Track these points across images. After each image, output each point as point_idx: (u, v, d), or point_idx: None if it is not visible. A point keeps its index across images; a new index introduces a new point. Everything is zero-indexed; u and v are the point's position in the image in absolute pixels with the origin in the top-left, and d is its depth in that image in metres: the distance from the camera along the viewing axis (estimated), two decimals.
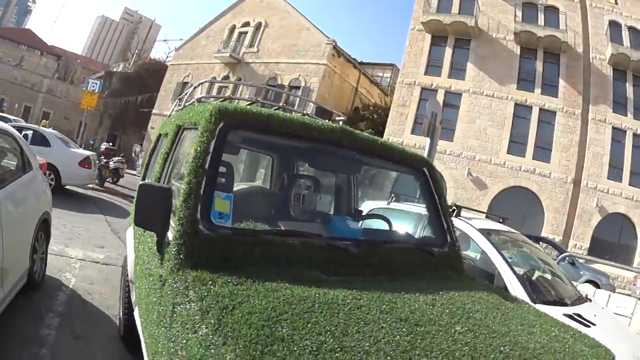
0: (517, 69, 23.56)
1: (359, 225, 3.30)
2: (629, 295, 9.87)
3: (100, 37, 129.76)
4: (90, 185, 13.47)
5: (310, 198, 3.22)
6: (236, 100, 3.91)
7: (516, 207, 20.62)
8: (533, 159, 22.30)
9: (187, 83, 33.25)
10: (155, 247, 2.20)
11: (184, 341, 1.60)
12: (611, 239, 21.74)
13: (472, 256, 4.65)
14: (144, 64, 43.92)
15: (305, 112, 3.84)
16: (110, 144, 30.40)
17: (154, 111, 34.91)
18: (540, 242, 13.67)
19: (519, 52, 23.66)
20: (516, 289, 3.97)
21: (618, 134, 22.50)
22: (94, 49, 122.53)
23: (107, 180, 16.04)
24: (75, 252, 6.13)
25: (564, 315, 3.61)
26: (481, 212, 8.10)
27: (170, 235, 2.11)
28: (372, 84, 33.32)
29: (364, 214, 3.96)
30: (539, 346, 2.03)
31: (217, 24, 34.26)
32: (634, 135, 22.32)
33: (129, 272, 3.50)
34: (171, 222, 2.14)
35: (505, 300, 2.67)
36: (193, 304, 1.68)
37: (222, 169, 2.36)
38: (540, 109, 22.81)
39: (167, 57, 41.90)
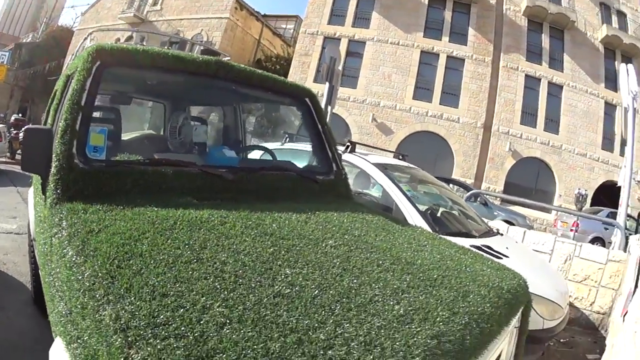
0: (424, 17, 23.56)
1: (239, 155, 3.32)
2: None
3: (12, 10, 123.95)
4: (2, 159, 13.51)
5: (187, 130, 3.20)
6: None
7: (425, 151, 20.75)
8: (440, 104, 22.46)
9: None
10: (41, 189, 2.18)
11: (58, 268, 1.57)
12: (527, 184, 22.13)
13: (371, 194, 4.51)
14: (52, 32, 42.35)
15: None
16: (20, 115, 29.34)
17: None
18: (451, 184, 13.01)
19: (426, 2, 23.63)
20: (416, 221, 3.76)
21: (532, 81, 23.25)
22: (6, 23, 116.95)
23: (18, 152, 15.67)
24: None
25: (471, 246, 3.17)
26: (379, 148, 8.37)
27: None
28: (275, 36, 33.27)
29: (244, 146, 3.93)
30: (426, 262, 1.97)
31: None
32: (550, 83, 22.87)
33: (31, 231, 3.39)
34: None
35: (394, 223, 2.61)
36: (64, 232, 1.66)
37: (108, 113, 2.50)
38: (448, 56, 23.01)
39: (74, 23, 40.86)
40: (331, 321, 1.34)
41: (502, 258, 3.44)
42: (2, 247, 5.33)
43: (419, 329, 1.42)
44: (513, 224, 10.93)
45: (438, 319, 1.51)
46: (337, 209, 2.50)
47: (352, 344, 1.26)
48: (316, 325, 1.30)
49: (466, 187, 14.97)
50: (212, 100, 3.74)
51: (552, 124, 22.64)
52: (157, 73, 2.70)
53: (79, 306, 1.29)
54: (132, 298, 1.24)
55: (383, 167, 4.43)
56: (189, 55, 2.77)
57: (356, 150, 4.82)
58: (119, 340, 1.09)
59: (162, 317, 1.18)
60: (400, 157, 5.54)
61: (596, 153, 22.44)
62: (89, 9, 35.45)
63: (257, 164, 3.12)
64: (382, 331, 1.36)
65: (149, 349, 1.07)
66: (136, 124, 4.89)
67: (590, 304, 5.63)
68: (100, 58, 2.27)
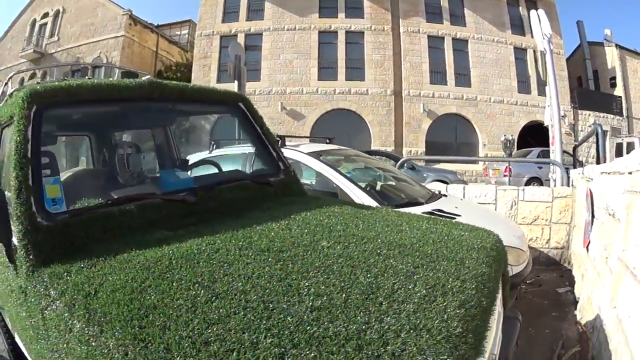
0: None
1: (189, 174, 3.24)
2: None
3: None
4: None
5: (135, 160, 3.08)
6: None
7: (340, 129, 20.53)
8: (347, 80, 22.48)
9: None
10: (7, 259, 1.99)
11: (65, 344, 1.42)
12: (448, 140, 22.34)
13: (307, 183, 4.48)
14: None
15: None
16: None
17: None
18: (375, 156, 12.74)
19: None
20: (363, 200, 3.88)
21: (436, 41, 23.58)
22: None
23: None
24: None
25: (424, 213, 3.32)
26: (305, 137, 8.55)
27: (15, 240, 1.92)
28: (171, 44, 32.70)
29: (190, 163, 3.79)
30: (415, 241, 2.02)
31: (20, 22, 32.31)
32: (454, 39, 23.32)
33: None
34: (12, 227, 1.92)
35: (360, 209, 2.66)
36: (58, 302, 1.52)
37: (44, 156, 2.16)
38: (346, 31, 23.07)
39: None
40: (373, 319, 1.35)
41: (455, 218, 3.56)
42: None
43: (444, 303, 1.48)
44: (447, 183, 11.13)
45: (455, 290, 1.59)
46: (306, 208, 2.50)
47: (402, 334, 1.29)
48: (363, 327, 1.31)
49: (390, 157, 14.47)
50: (150, 122, 3.58)
51: (463, 78, 23.03)
52: (95, 106, 2.57)
53: None
54: (178, 357, 1.16)
55: (317, 155, 4.49)
56: (121, 81, 2.66)
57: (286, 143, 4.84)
58: None
59: None
60: (327, 141, 5.68)
61: (513, 97, 22.94)
62: None
63: (211, 180, 2.98)
64: (418, 314, 1.40)
65: None
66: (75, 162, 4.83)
67: (547, 242, 5.84)
68: (36, 102, 2.12)
